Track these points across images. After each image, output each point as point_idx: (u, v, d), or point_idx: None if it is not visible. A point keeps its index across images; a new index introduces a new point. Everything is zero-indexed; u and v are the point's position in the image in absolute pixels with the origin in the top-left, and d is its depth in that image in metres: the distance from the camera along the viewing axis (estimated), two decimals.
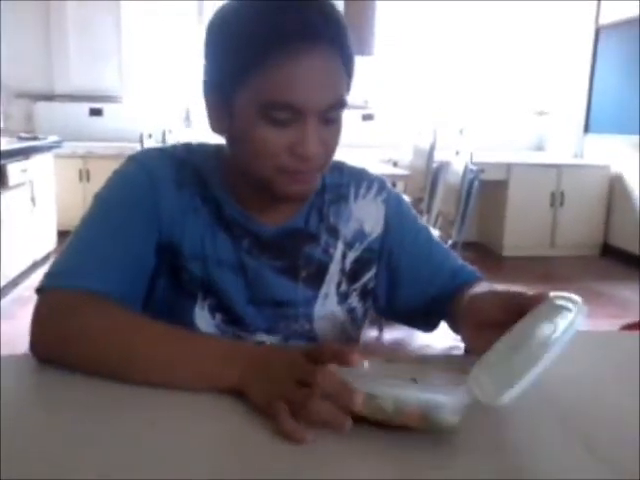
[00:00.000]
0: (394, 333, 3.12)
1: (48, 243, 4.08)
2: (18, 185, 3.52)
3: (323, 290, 0.90)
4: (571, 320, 0.59)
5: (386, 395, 0.57)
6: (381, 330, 3.10)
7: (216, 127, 0.81)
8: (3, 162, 3.31)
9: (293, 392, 0.60)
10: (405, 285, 0.95)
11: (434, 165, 3.70)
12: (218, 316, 0.87)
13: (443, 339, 2.96)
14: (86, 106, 5.22)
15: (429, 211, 3.48)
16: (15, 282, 3.53)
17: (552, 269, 4.66)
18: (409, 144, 4.37)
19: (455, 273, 0.94)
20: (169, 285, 0.85)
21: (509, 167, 4.85)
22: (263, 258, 0.87)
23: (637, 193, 4.62)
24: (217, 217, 0.86)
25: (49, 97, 5.18)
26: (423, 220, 1.01)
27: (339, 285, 0.92)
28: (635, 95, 4.52)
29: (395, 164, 4.47)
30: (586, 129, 5.22)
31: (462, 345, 0.79)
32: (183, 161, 0.87)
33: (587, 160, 5.15)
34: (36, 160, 3.82)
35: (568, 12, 5.26)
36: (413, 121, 5.38)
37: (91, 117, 5.24)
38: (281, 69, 0.71)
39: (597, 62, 5.08)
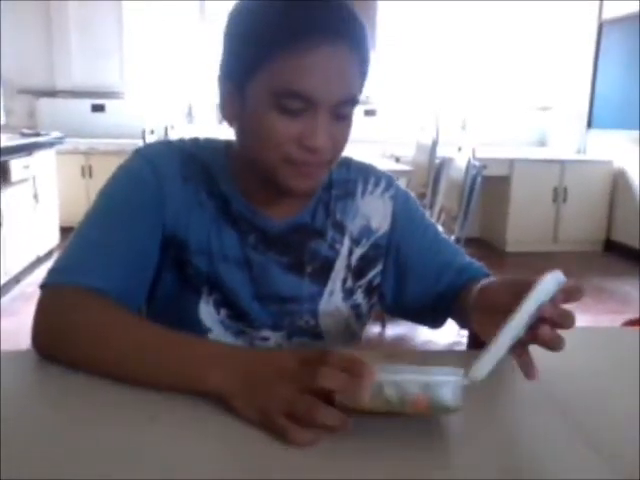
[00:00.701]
0: (397, 329, 3.12)
1: (51, 239, 4.08)
2: (21, 181, 3.53)
3: (329, 286, 0.90)
4: (541, 287, 0.62)
5: (388, 380, 0.56)
6: (384, 326, 3.11)
7: (228, 115, 0.81)
8: (6, 158, 3.31)
9: (293, 404, 0.58)
10: (412, 282, 0.94)
11: (437, 161, 3.70)
12: (223, 311, 0.86)
13: (446, 335, 2.96)
14: (88, 102, 5.22)
15: (432, 207, 3.48)
16: (18, 278, 3.54)
17: (555, 265, 4.48)
18: (411, 140, 4.37)
19: (463, 270, 0.93)
20: (174, 280, 0.85)
21: (512, 163, 4.84)
22: (269, 254, 0.87)
23: None
24: (224, 212, 0.86)
25: (51, 93, 5.18)
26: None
27: (345, 281, 0.91)
28: (638, 90, 4.50)
29: (397, 160, 4.46)
30: (589, 124, 5.21)
31: (464, 341, 0.78)
32: (191, 155, 0.87)
33: (590, 155, 5.14)
34: (38, 156, 3.82)
35: (571, 7, 5.24)
36: (415, 117, 5.38)
37: (93, 113, 5.24)
38: (298, 59, 0.71)
39: (600, 57, 5.06)
